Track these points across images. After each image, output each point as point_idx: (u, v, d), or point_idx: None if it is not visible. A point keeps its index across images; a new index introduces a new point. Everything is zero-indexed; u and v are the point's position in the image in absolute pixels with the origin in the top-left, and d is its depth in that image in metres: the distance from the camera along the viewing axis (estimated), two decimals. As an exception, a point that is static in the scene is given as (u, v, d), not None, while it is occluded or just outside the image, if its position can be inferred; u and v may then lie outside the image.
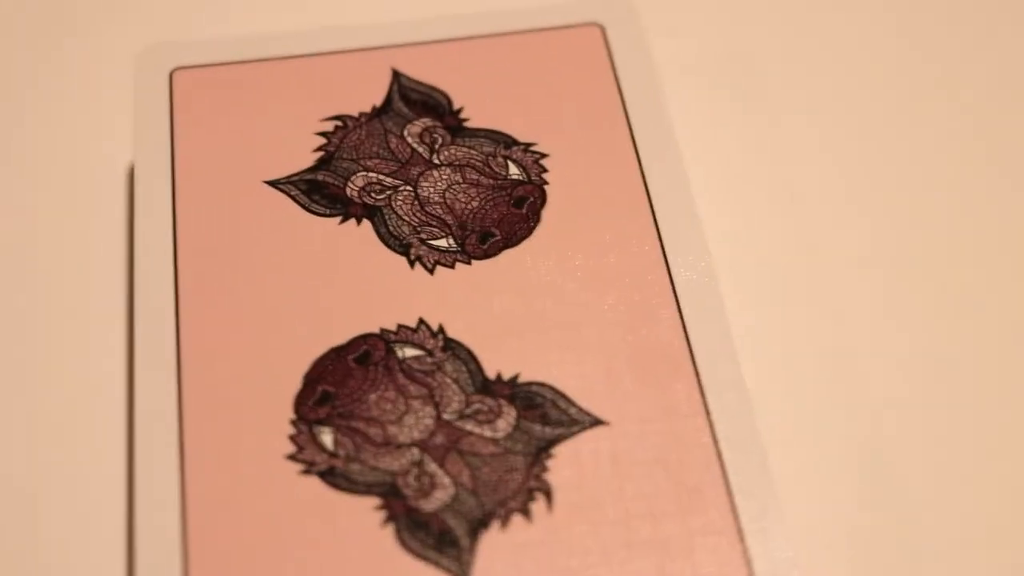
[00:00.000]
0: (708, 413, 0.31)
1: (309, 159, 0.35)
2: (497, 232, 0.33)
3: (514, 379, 0.31)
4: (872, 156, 0.38)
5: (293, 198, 0.34)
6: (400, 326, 0.32)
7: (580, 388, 0.31)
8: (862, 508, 0.32)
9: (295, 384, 0.31)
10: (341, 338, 0.32)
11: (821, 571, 0.31)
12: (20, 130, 0.38)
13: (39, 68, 0.40)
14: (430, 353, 0.32)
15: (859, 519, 0.32)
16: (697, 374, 0.31)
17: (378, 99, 0.36)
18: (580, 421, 0.31)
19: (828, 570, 0.31)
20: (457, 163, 0.34)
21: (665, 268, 0.33)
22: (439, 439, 0.30)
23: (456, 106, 0.35)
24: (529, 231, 0.33)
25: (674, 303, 0.32)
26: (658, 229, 0.33)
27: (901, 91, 0.39)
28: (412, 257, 0.33)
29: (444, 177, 0.34)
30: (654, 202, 0.34)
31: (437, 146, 0.35)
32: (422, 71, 0.36)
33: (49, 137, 0.38)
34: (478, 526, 0.29)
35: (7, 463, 0.33)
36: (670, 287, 0.32)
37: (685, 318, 0.32)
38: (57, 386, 0.34)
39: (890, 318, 0.35)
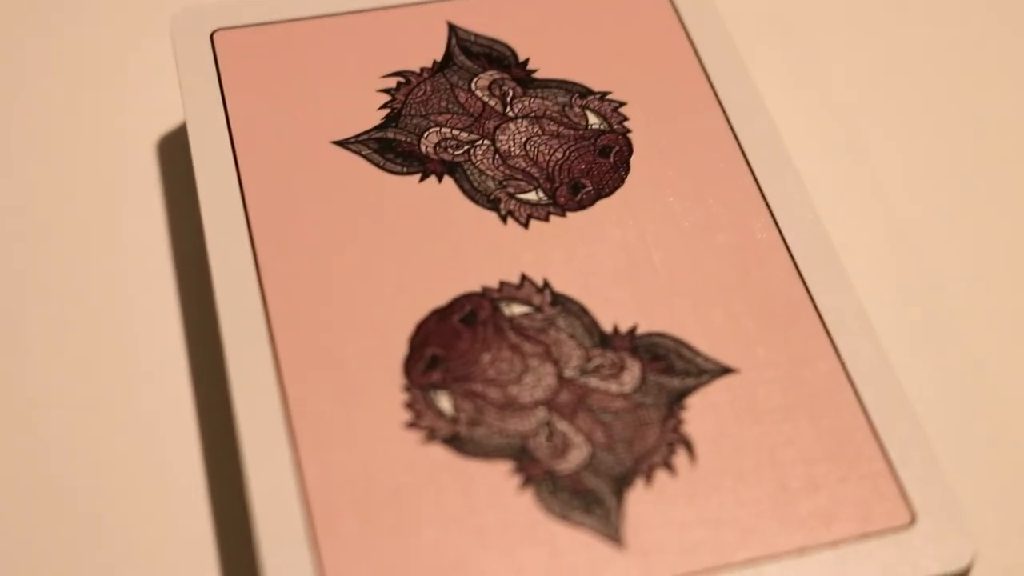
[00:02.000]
0: (838, 354, 0.29)
1: (375, 117, 0.32)
2: (587, 183, 0.32)
3: (632, 331, 0.29)
4: (930, 101, 0.37)
5: (365, 157, 0.32)
6: (503, 283, 0.30)
7: (701, 336, 0.29)
8: (990, 444, 0.31)
9: (400, 350, 0.29)
10: (441, 299, 0.30)
11: (971, 500, 0.30)
12: (45, 103, 0.36)
13: (61, 40, 0.37)
14: (539, 309, 0.30)
15: (990, 452, 0.31)
16: (819, 314, 0.30)
17: (437, 54, 0.34)
18: (708, 370, 0.29)
19: (977, 497, 0.30)
20: (533, 115, 0.33)
21: (767, 209, 0.31)
22: (564, 397, 0.29)
23: (521, 58, 0.34)
24: (620, 180, 0.32)
25: (782, 243, 0.31)
26: (752, 171, 0.32)
27: (954, 31, 0.39)
28: (503, 212, 0.31)
29: (522, 129, 0.32)
30: (743, 144, 0.32)
31: (509, 98, 0.33)
32: (478, 24, 0.34)
33: (79, 108, 0.35)
34: (622, 484, 0.28)
35: (70, 453, 0.30)
36: (775, 228, 0.31)
37: (796, 258, 0.31)
38: (115, 372, 0.31)
39: (980, 252, 0.34)
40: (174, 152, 0.35)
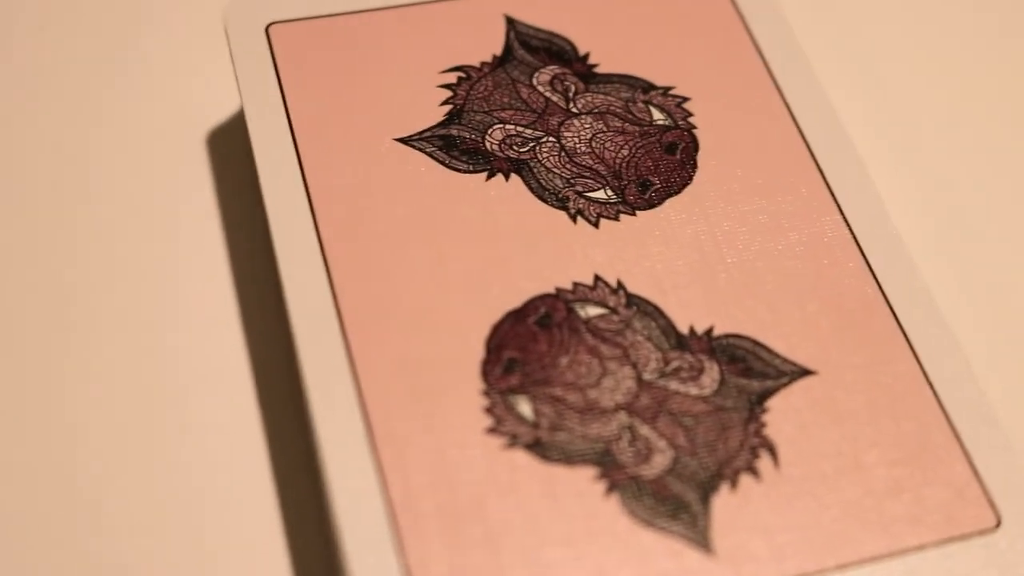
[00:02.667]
0: (915, 355, 0.29)
1: (436, 113, 0.32)
2: (656, 180, 0.31)
3: (709, 332, 0.29)
4: (993, 96, 0.37)
5: (430, 155, 0.31)
6: (576, 284, 0.30)
7: (778, 336, 0.29)
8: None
9: (477, 353, 0.29)
10: (515, 301, 0.29)
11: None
12: (94, 96, 0.35)
13: (111, 35, 0.36)
14: (614, 311, 0.29)
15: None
16: (894, 314, 0.30)
17: (496, 47, 0.33)
18: (787, 371, 0.29)
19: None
20: (597, 110, 0.32)
21: (836, 206, 0.31)
22: (645, 400, 0.28)
23: (582, 52, 0.33)
24: (688, 178, 0.31)
25: (853, 241, 0.31)
26: (819, 166, 0.32)
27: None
28: (572, 211, 0.31)
29: (587, 126, 0.32)
30: (808, 139, 0.32)
31: (572, 94, 0.32)
32: (536, 17, 0.34)
33: (129, 101, 0.35)
34: (707, 489, 0.27)
35: (122, 461, 0.30)
36: (845, 225, 0.31)
37: (868, 256, 0.30)
38: (178, 377, 0.31)
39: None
40: (227, 145, 0.34)
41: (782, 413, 0.28)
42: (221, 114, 0.35)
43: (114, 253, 0.33)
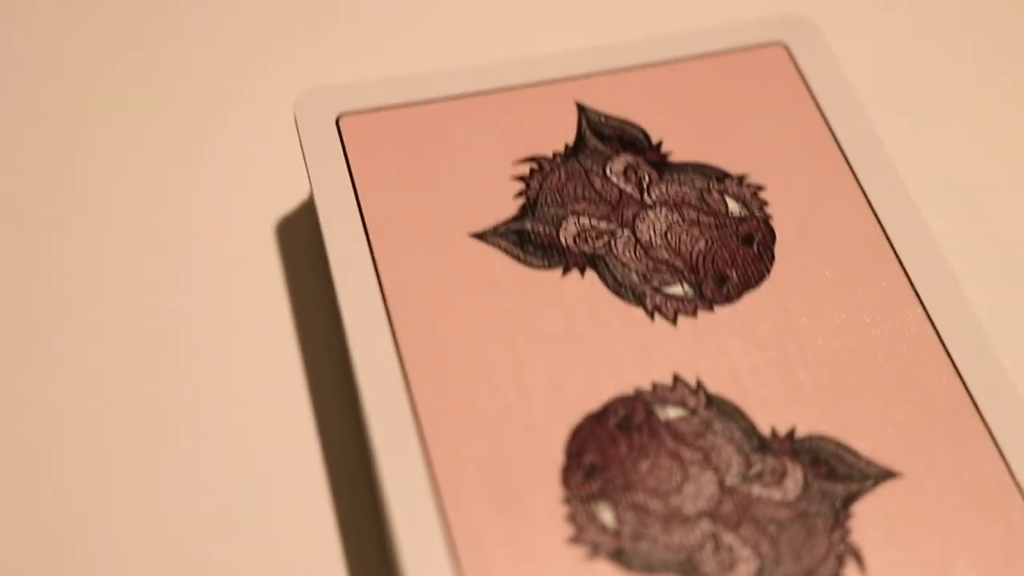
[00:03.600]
0: (1002, 454, 0.29)
1: (510, 207, 0.32)
2: (732, 274, 0.31)
3: (791, 433, 0.29)
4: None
5: (505, 250, 0.31)
6: (655, 384, 0.29)
7: (862, 437, 0.29)
8: None
9: (556, 457, 0.28)
10: (593, 402, 0.29)
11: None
12: (165, 185, 0.35)
13: (180, 123, 0.36)
14: (694, 412, 0.29)
15: None
16: (979, 412, 0.29)
17: (568, 136, 0.33)
18: (872, 474, 0.28)
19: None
20: (672, 201, 0.32)
21: (917, 299, 0.31)
22: (728, 507, 0.28)
23: (654, 139, 0.33)
24: (766, 271, 0.31)
25: (936, 337, 0.30)
26: (899, 259, 0.31)
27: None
28: (650, 307, 0.30)
29: (662, 217, 0.32)
30: (886, 229, 0.31)
31: (645, 184, 0.32)
32: (606, 102, 0.33)
33: (201, 193, 0.35)
34: (794, 599, 0.27)
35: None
36: (928, 321, 0.30)
37: (952, 353, 0.30)
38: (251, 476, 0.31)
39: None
40: (294, 234, 0.34)
41: (868, 518, 0.28)
42: (290, 203, 0.35)
43: (181, 343, 0.33)
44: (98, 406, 0.32)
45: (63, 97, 0.37)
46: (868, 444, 0.29)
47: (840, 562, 0.27)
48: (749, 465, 0.28)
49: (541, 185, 0.32)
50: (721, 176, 0.32)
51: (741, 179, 0.32)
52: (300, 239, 0.34)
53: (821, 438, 0.29)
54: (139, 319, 0.33)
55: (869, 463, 0.28)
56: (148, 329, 0.33)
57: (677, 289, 0.31)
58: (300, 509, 0.30)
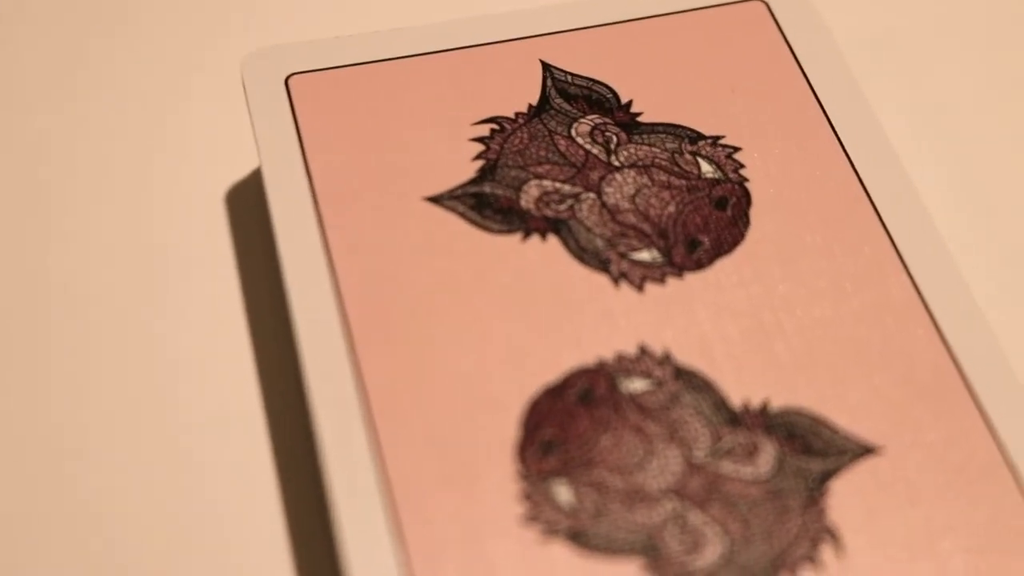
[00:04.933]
0: (992, 432, 0.27)
1: (468, 169, 0.30)
2: (704, 239, 0.29)
3: (764, 406, 0.27)
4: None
5: (462, 215, 0.29)
6: (619, 354, 0.27)
7: (840, 410, 0.27)
8: None
9: (510, 432, 0.26)
10: (552, 373, 0.27)
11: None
12: (113, 154, 0.33)
13: (130, 82, 0.34)
14: (660, 384, 0.27)
15: None
16: (968, 385, 0.27)
17: (532, 96, 0.31)
18: (850, 449, 0.26)
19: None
20: (641, 163, 0.30)
21: (904, 269, 0.29)
22: (695, 484, 0.26)
23: (623, 99, 0.31)
24: (740, 236, 0.29)
25: (922, 305, 0.28)
26: (883, 223, 0.29)
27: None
28: (615, 274, 0.28)
29: (630, 180, 0.30)
30: (871, 192, 0.30)
31: (613, 145, 0.30)
32: (574, 62, 0.32)
33: (147, 155, 0.33)
34: (765, 583, 0.25)
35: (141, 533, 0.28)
36: (914, 289, 0.28)
37: (939, 321, 0.28)
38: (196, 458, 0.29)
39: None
40: (244, 203, 0.32)
41: (846, 496, 0.26)
42: (242, 170, 0.33)
43: (128, 313, 0.31)
44: (46, 370, 0.30)
45: (12, 62, 0.35)
46: (847, 418, 0.27)
47: (815, 543, 0.25)
48: (718, 440, 0.26)
49: (502, 147, 0.30)
50: (695, 137, 0.30)
51: (715, 140, 0.30)
52: (251, 208, 0.32)
53: (796, 412, 0.27)
54: (86, 289, 0.31)
55: (847, 438, 0.26)
56: (95, 300, 0.31)
57: (645, 255, 0.29)
58: (241, 481, 0.28)
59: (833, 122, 0.31)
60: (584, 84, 0.31)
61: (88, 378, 0.30)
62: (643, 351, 0.27)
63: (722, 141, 0.30)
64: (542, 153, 0.30)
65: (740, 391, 0.27)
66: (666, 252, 0.29)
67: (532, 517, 0.25)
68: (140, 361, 0.30)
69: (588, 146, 0.30)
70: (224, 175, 0.33)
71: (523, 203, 0.29)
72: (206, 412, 0.30)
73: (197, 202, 0.32)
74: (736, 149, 0.30)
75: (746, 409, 0.27)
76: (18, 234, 0.32)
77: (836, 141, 0.30)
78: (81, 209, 0.32)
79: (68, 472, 0.29)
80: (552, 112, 0.31)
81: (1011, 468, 0.26)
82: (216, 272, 0.32)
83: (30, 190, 0.33)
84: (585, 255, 0.29)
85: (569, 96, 0.31)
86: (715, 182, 0.30)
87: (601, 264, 0.28)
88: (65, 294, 0.31)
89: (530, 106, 0.31)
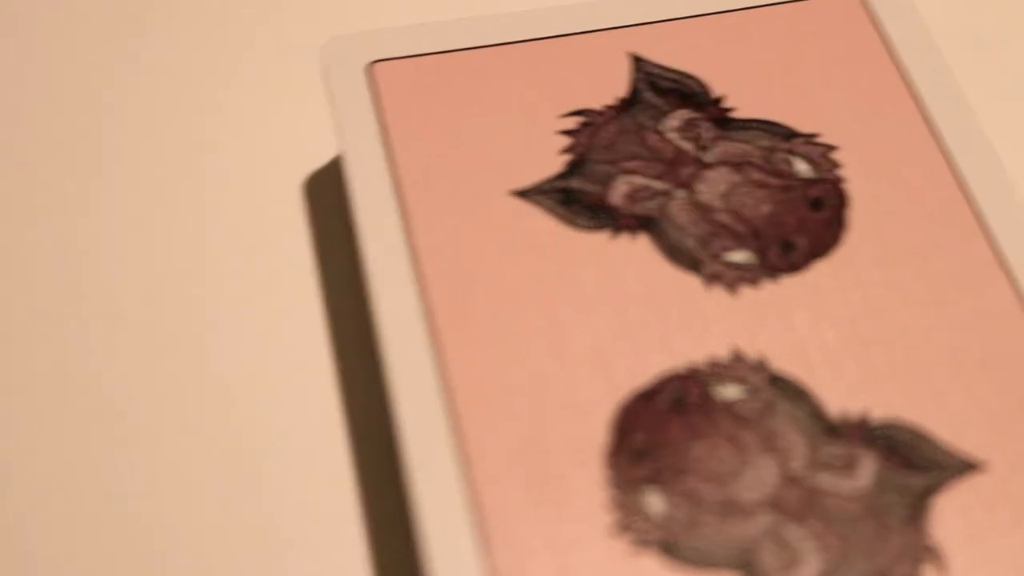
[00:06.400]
0: (1101, 446, 0.26)
1: (556, 163, 0.29)
2: (800, 241, 0.28)
3: (863, 418, 0.26)
4: None
5: (549, 210, 0.28)
6: (711, 359, 0.26)
7: (943, 423, 0.26)
8: None
9: (599, 438, 0.25)
10: (643, 378, 0.26)
11: None
12: (187, 142, 0.32)
13: (203, 70, 0.33)
14: (755, 391, 0.26)
15: None
16: (1076, 399, 0.26)
17: (620, 89, 0.30)
18: (954, 464, 0.25)
19: None
20: (733, 161, 0.29)
21: (1004, 273, 0.28)
22: (791, 498, 0.25)
23: (715, 94, 0.30)
24: (837, 238, 0.28)
25: (1027, 315, 0.27)
26: (986, 228, 0.28)
27: None
28: (706, 275, 0.27)
29: (722, 178, 0.29)
30: (972, 195, 0.28)
31: (704, 141, 0.29)
32: (665, 54, 0.31)
33: (221, 143, 0.32)
34: (865, 602, 0.24)
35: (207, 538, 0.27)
36: (1017, 297, 0.27)
37: (1045, 332, 0.27)
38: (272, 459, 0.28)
39: None
40: (322, 193, 0.32)
41: (949, 513, 0.25)
42: (320, 158, 0.32)
43: (203, 309, 0.30)
44: (125, 363, 0.29)
45: (82, 52, 0.34)
46: (950, 431, 0.26)
47: (917, 563, 0.24)
48: (816, 452, 0.25)
49: (590, 141, 0.29)
50: (788, 134, 0.29)
51: (810, 138, 0.29)
52: (329, 199, 0.32)
53: (896, 424, 0.26)
54: (161, 279, 0.30)
55: (950, 453, 0.25)
56: (170, 291, 0.30)
57: (738, 256, 0.28)
58: (320, 485, 0.28)
59: (932, 121, 0.29)
60: (675, 77, 0.30)
61: (153, 369, 0.29)
62: (737, 356, 0.26)
63: (817, 139, 0.29)
64: (631, 148, 0.29)
65: (837, 400, 0.26)
66: (760, 254, 0.28)
67: (623, 527, 0.24)
68: (211, 352, 0.30)
69: (679, 142, 0.29)
70: (301, 163, 0.32)
71: (612, 199, 0.28)
72: (284, 417, 0.29)
73: (274, 189, 0.32)
74: (832, 147, 0.29)
75: (844, 420, 0.26)
76: (94, 223, 0.31)
77: (935, 141, 0.29)
78: (153, 193, 0.32)
79: (138, 478, 0.28)
80: (642, 106, 0.30)
81: (1121, 488, 0.25)
82: (293, 261, 0.31)
83: (101, 179, 0.32)
84: (676, 255, 0.28)
85: (659, 90, 0.30)
86: (811, 181, 0.29)
87: (693, 265, 0.27)
88: (138, 281, 0.30)
89: (619, 99, 0.30)
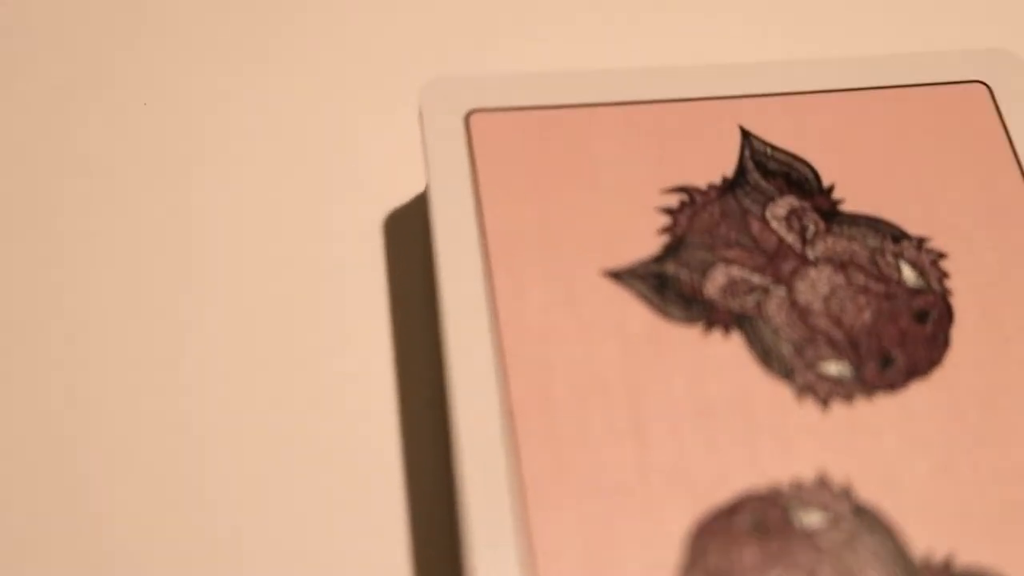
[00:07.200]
0: None
1: (652, 243, 0.28)
2: (899, 355, 0.27)
3: (948, 562, 0.25)
4: None
5: (641, 295, 0.27)
6: (795, 480, 0.25)
7: (1030, 577, 0.25)
8: None
9: (673, 555, 0.25)
10: (721, 494, 0.25)
11: None
12: (272, 160, 0.31)
13: (302, 93, 0.32)
14: (837, 521, 0.25)
15: None
16: None
17: (727, 166, 0.29)
18: (1040, 625, 0.24)
19: None
20: (838, 260, 0.28)
21: (1114, 415, 0.26)
22: (866, 642, 0.24)
23: (825, 182, 0.29)
24: (938, 357, 0.27)
25: None
26: (1097, 361, 0.27)
27: None
28: (799, 386, 0.26)
29: (825, 278, 0.27)
30: (1085, 324, 0.27)
31: (810, 235, 0.28)
32: (777, 131, 0.29)
33: (307, 174, 0.31)
34: None
35: None
36: (1123, 441, 0.26)
37: None
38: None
39: None
40: (403, 230, 0.31)
41: (1027, 677, 0.24)
42: (402, 197, 0.31)
43: (275, 339, 0.29)
44: (201, 400, 0.28)
45: (176, 80, 0.33)
46: (1037, 586, 0.25)
47: None
48: (896, 594, 0.24)
49: (690, 222, 0.28)
50: (898, 236, 0.28)
51: (921, 242, 0.28)
52: (410, 235, 0.30)
53: (984, 573, 0.25)
54: (236, 310, 0.29)
55: (1037, 609, 0.24)
56: (242, 321, 0.29)
57: (833, 367, 0.26)
58: (375, 551, 0.27)
59: (1050, 235, 0.28)
60: (784, 160, 0.29)
61: (226, 398, 0.29)
62: (822, 480, 0.25)
63: (928, 244, 0.28)
64: (733, 235, 0.28)
65: (923, 539, 0.25)
66: (856, 367, 0.26)
67: (689, 660, 0.24)
68: (281, 382, 0.29)
69: (783, 232, 0.28)
70: (386, 198, 0.31)
71: (707, 291, 0.27)
72: (344, 451, 0.28)
73: (355, 225, 0.30)
74: (942, 255, 0.28)
75: (927, 563, 0.25)
76: (171, 252, 0.30)
77: (1053, 258, 0.28)
78: (235, 219, 0.31)
79: (209, 494, 0.28)
80: (748, 188, 0.28)
81: None
82: (368, 300, 0.30)
83: (188, 206, 0.31)
84: (769, 359, 0.26)
85: (767, 172, 0.29)
86: (916, 291, 0.27)
87: (785, 372, 0.26)
88: (213, 306, 0.30)
89: (724, 178, 0.28)
